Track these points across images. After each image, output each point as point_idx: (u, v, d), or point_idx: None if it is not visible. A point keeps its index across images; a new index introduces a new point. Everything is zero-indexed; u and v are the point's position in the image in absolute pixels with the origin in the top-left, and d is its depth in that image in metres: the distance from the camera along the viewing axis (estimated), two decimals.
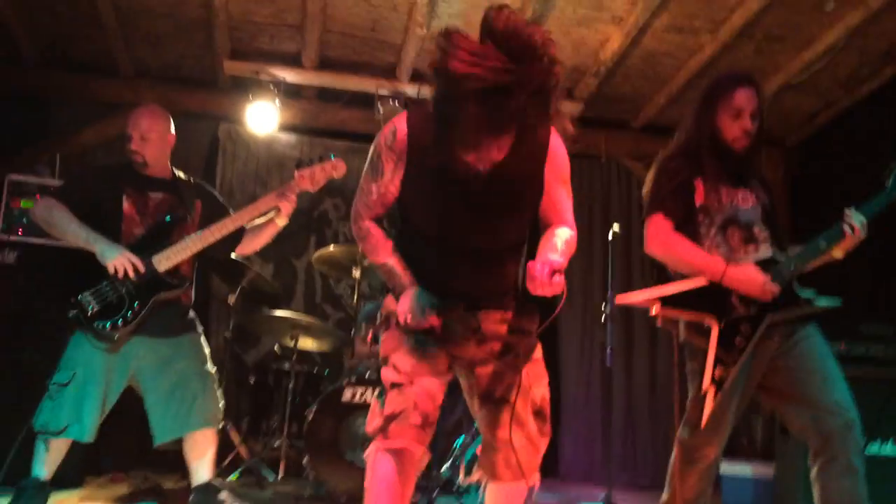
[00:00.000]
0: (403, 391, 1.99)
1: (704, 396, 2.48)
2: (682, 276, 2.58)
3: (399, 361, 2.03)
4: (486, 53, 1.65)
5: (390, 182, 2.07)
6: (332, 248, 4.31)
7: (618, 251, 4.57)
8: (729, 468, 4.18)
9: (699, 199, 2.60)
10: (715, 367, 2.48)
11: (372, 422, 2.01)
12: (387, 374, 2.05)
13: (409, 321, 1.98)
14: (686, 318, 2.59)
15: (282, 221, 3.20)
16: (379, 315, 2.19)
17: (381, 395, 2.05)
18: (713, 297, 2.50)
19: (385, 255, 2.12)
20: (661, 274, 2.85)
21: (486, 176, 1.92)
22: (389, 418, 1.96)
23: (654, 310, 2.52)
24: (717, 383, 2.47)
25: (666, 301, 2.53)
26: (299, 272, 5.57)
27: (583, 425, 5.56)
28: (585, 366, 5.69)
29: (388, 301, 2.14)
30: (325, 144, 5.52)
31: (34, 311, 3.68)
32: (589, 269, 5.78)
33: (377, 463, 1.96)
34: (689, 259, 2.56)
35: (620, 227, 4.41)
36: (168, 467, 4.10)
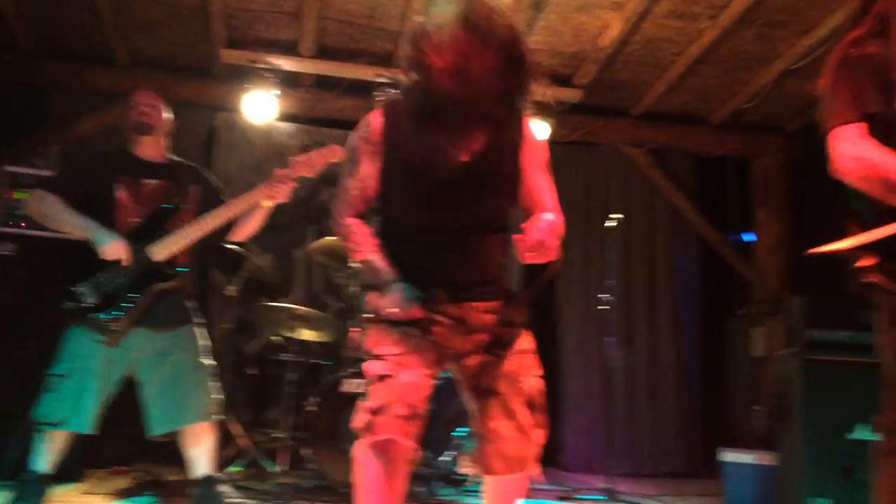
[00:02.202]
0: (388, 383, 1.95)
1: None
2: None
3: (383, 354, 2.00)
4: (468, 54, 1.68)
5: (368, 176, 2.09)
6: (329, 238, 4.28)
7: (617, 239, 4.54)
8: (731, 456, 4.19)
9: None
10: None
11: (357, 418, 1.98)
12: (371, 368, 2.01)
13: (392, 314, 1.97)
14: None
15: (268, 204, 3.12)
16: (362, 313, 2.18)
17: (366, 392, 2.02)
18: None
19: (367, 251, 2.11)
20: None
21: (464, 165, 1.92)
22: (374, 411, 1.92)
23: (863, 261, 1.81)
24: None
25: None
26: (298, 263, 5.55)
27: (584, 416, 5.56)
28: (585, 356, 5.67)
29: (371, 298, 2.12)
30: (323, 133, 5.47)
31: (34, 303, 3.65)
32: (587, 259, 5.75)
33: (363, 463, 1.93)
34: None
35: (620, 215, 4.39)
36: (170, 460, 4.04)
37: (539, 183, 2.14)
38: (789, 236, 5.58)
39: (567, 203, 2.18)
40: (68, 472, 3.55)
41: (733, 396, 5.87)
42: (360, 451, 1.94)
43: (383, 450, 1.91)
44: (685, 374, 5.81)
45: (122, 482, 3.79)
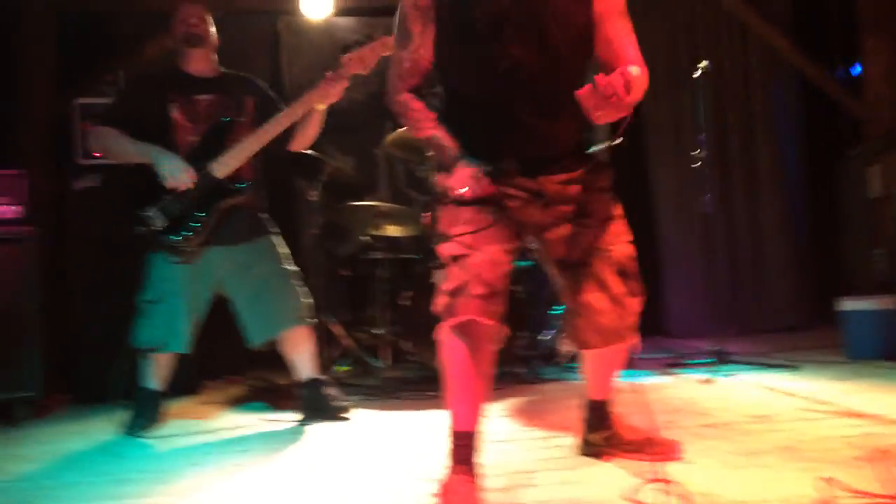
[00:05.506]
0: (463, 263, 1.88)
1: None
2: None
3: (457, 233, 1.92)
4: None
5: (420, 46, 1.93)
6: (403, 130, 4.16)
7: (707, 89, 4.23)
8: (851, 304, 3.96)
9: None
10: None
11: (437, 301, 1.93)
12: (446, 249, 1.94)
13: (461, 193, 1.86)
14: None
15: (321, 106, 3.02)
16: (433, 193, 2.07)
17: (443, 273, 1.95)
18: None
19: (429, 127, 1.98)
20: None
21: (524, 17, 1.74)
22: (452, 293, 1.87)
23: None
24: None
25: None
26: (380, 161, 5.48)
27: (686, 279, 5.39)
28: (682, 216, 5.44)
29: (441, 177, 2.01)
30: (385, 24, 5.27)
31: (123, 231, 3.73)
32: (678, 111, 5.43)
33: (447, 346, 1.90)
34: None
35: (710, 63, 4.05)
36: (281, 365, 4.22)
37: (618, 32, 1.92)
38: None
39: (651, 55, 1.95)
40: (186, 385, 3.74)
41: (849, 243, 5.53)
42: (443, 334, 1.91)
43: (465, 331, 1.87)
44: (791, 224, 5.51)
45: (236, 391, 3.95)
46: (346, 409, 3.08)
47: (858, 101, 5.25)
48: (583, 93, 1.63)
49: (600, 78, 1.62)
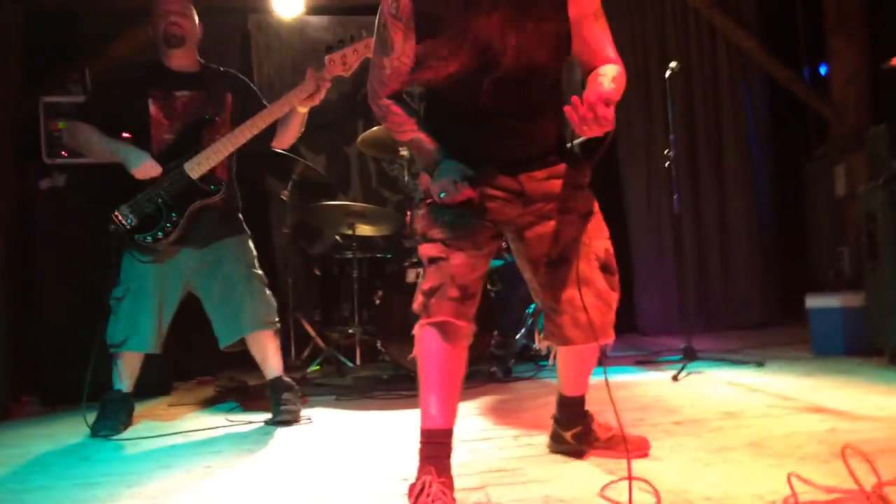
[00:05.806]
0: (440, 266, 1.92)
1: None
2: None
3: (436, 236, 1.94)
4: None
5: (402, 54, 1.92)
6: (375, 129, 4.15)
7: (677, 90, 4.26)
8: (816, 301, 4.02)
9: None
10: None
11: (416, 300, 1.94)
12: (424, 250, 1.97)
13: (442, 197, 1.87)
14: None
15: (303, 108, 3.01)
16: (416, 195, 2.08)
17: (423, 273, 1.97)
18: None
19: (410, 130, 1.99)
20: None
21: (503, 22, 1.75)
22: (428, 294, 1.90)
23: None
24: None
25: None
26: (352, 159, 5.47)
27: (657, 278, 5.45)
28: (653, 217, 5.51)
29: (422, 178, 2.03)
30: (357, 22, 5.27)
31: (90, 231, 3.67)
32: (648, 113, 5.49)
33: (422, 337, 1.92)
34: None
35: (679, 64, 4.09)
36: (253, 366, 4.19)
37: (593, 32, 1.93)
38: (868, 65, 5.14)
39: (621, 56, 1.96)
40: (156, 386, 3.70)
41: (816, 241, 5.63)
42: (419, 331, 1.92)
43: (440, 328, 1.88)
44: (758, 222, 5.59)
45: (208, 391, 3.92)
46: (293, 417, 2.96)
47: (825, 102, 5.34)
48: (568, 109, 1.65)
49: (577, 101, 1.63)
